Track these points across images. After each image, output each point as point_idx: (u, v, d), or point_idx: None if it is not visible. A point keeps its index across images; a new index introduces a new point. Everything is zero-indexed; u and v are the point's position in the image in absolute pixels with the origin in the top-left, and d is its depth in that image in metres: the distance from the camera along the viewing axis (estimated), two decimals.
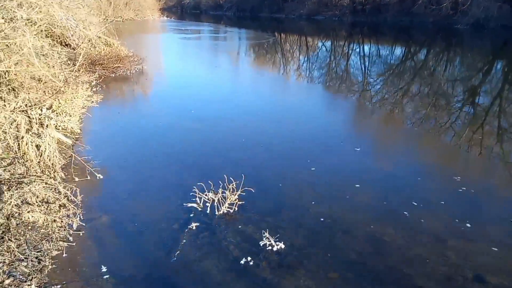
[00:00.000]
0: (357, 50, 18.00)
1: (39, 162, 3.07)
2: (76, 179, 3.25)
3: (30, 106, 3.73)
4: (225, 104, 6.23)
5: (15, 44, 4.00)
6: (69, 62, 8.07)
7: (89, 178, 3.29)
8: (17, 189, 2.52)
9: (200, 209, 2.94)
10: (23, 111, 3.65)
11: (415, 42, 20.92)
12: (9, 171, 2.88)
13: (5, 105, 3.51)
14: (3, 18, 6.00)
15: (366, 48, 18.97)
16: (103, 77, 7.77)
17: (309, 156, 4.06)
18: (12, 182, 2.60)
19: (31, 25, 7.79)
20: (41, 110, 3.77)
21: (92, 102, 5.11)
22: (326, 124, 5.44)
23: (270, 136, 4.65)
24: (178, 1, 73.60)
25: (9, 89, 3.90)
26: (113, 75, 8.11)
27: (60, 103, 4.16)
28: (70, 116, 4.26)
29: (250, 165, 3.81)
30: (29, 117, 3.58)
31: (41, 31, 8.42)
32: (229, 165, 3.78)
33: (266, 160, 3.94)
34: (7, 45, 3.97)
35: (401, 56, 15.88)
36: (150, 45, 16.14)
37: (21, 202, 2.38)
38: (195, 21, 39.29)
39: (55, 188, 2.70)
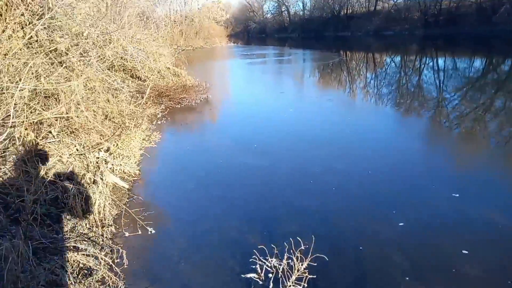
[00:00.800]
0: (431, 64, 16.58)
1: (87, 215, 2.81)
2: (127, 234, 2.94)
3: (88, 149, 3.61)
4: (290, 135, 5.71)
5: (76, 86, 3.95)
6: (137, 94, 8.31)
7: (140, 232, 2.96)
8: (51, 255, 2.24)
9: (261, 282, 2.41)
10: (81, 154, 3.52)
11: (497, 53, 18.81)
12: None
13: (63, 150, 3.39)
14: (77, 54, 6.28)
15: (441, 61, 17.40)
16: (168, 108, 7.82)
17: (394, 205, 3.32)
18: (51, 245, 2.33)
19: (103, 61, 8.18)
20: (99, 153, 3.61)
21: (151, 142, 4.93)
22: (408, 156, 4.59)
23: (342, 176, 3.99)
24: (245, 27, 76.46)
25: (70, 131, 3.84)
26: (179, 106, 8.12)
27: (117, 144, 4.00)
28: (128, 158, 4.08)
29: (321, 217, 3.19)
30: (85, 162, 3.42)
31: (113, 65, 8.85)
32: (295, 217, 3.21)
33: (339, 210, 3.30)
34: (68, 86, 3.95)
35: (482, 69, 14.25)
36: (217, 72, 16.46)
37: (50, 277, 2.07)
38: (260, 45, 40.08)
39: (96, 256, 2.37)
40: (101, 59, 8.72)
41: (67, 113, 3.66)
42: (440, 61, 17.60)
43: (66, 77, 4.57)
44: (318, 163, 4.40)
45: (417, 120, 6.91)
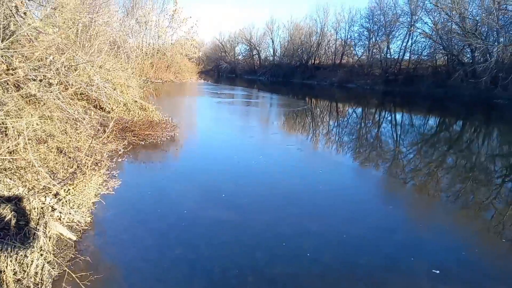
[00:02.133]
0: (389, 118, 17.54)
1: (20, 279, 2.32)
2: None
3: (33, 193, 3.13)
4: (261, 186, 5.46)
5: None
6: (99, 127, 7.81)
7: None
8: None
9: None
10: (22, 199, 3.03)
11: (450, 114, 20.38)
12: None
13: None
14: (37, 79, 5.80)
15: (399, 116, 18.48)
16: (132, 144, 7.36)
17: (372, 280, 3.10)
18: None
19: (65, 88, 7.70)
20: (45, 198, 3.14)
21: (108, 189, 4.46)
22: (380, 218, 4.48)
23: (317, 240, 3.75)
24: (216, 65, 77.80)
25: (13, 170, 3.34)
26: (143, 143, 7.68)
27: (69, 190, 3.54)
28: (80, 205, 3.60)
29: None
30: (27, 207, 2.94)
31: (76, 94, 8.35)
32: (265, 286, 2.89)
33: (314, 280, 3.02)
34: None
35: (435, 127, 15.26)
36: (185, 108, 16.20)
37: None
38: (230, 84, 40.64)
39: None
40: (63, 86, 8.23)
41: (13, 152, 3.20)
42: (398, 116, 18.61)
43: (19, 108, 4.10)
44: (291, 222, 4.15)
45: (378, 174, 7.03)
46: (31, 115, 4.68)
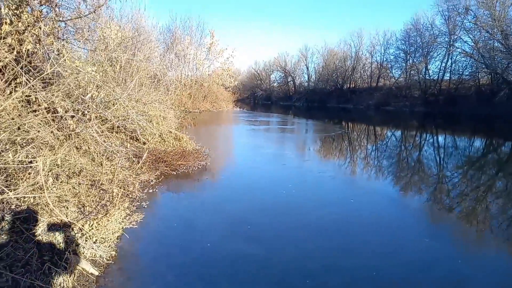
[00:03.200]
0: (431, 140, 16.76)
1: None
2: None
3: (58, 228, 3.21)
4: (289, 217, 5.29)
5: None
6: (134, 158, 8.07)
7: None
8: None
9: None
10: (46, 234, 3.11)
11: (497, 134, 19.12)
12: None
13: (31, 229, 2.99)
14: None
15: (441, 138, 17.61)
16: (164, 175, 7.50)
17: None
18: None
19: (102, 123, 8.09)
20: (70, 233, 3.21)
21: (131, 222, 4.51)
22: (416, 252, 4.12)
23: (345, 276, 3.51)
24: (252, 93, 79.50)
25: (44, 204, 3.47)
26: (175, 173, 7.81)
27: (93, 225, 3.61)
28: (104, 240, 3.64)
29: None
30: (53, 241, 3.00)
31: (113, 127, 8.75)
32: None
33: None
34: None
35: (482, 149, 14.33)
36: (220, 137, 16.47)
37: None
38: (265, 111, 41.07)
39: None
40: (102, 120, 8.67)
41: (40, 189, 3.34)
42: (440, 139, 17.71)
43: (59, 144, 4.32)
44: (317, 256, 3.94)
45: (419, 201, 6.66)
46: (69, 149, 4.92)
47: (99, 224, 3.75)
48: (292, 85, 69.79)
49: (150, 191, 6.31)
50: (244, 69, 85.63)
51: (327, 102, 54.04)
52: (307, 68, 65.00)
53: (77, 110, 6.78)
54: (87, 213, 3.80)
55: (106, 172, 6.20)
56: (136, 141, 9.57)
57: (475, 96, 33.96)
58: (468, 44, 35.34)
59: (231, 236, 4.47)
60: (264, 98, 74.90)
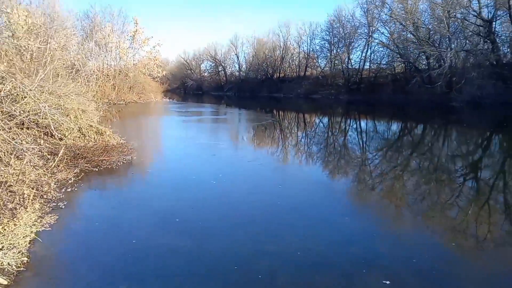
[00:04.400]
0: (354, 126, 18.06)
1: None
2: None
3: None
4: (219, 207, 5.30)
5: None
6: (49, 156, 7.39)
7: None
8: None
9: None
10: None
11: (411, 119, 21.29)
12: None
13: None
14: None
15: (363, 124, 19.05)
16: (84, 172, 6.98)
17: None
18: None
19: (10, 118, 7.27)
20: None
21: (44, 225, 4.13)
22: (339, 231, 4.42)
23: (272, 260, 3.62)
24: (182, 83, 77.41)
25: None
26: (97, 169, 7.31)
27: None
28: (10, 247, 3.29)
29: None
30: None
31: (23, 123, 7.91)
32: None
33: None
34: None
35: (398, 132, 15.84)
36: (148, 130, 15.81)
37: None
38: (196, 101, 40.43)
39: None
40: (9, 115, 7.78)
41: None
42: (363, 124, 19.14)
43: None
44: (246, 243, 4.00)
45: (344, 183, 7.16)
46: None
47: (4, 229, 3.36)
48: (223, 75, 69.45)
49: (69, 190, 5.83)
50: (173, 58, 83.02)
51: (258, 92, 54.87)
52: (238, 57, 65.11)
53: None
54: None
55: (15, 172, 5.60)
56: (51, 137, 8.76)
57: (392, 84, 37.19)
58: (385, 35, 38.34)
59: (159, 231, 4.34)
60: (195, 88, 73.55)
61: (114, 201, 5.71)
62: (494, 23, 27.40)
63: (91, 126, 10.04)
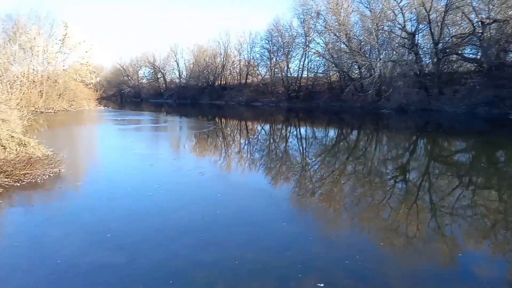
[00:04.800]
0: (294, 133, 18.60)
1: None
2: None
3: None
4: (155, 219, 5.07)
5: None
6: None
7: None
8: None
9: None
10: None
11: (346, 125, 22.41)
12: None
13: None
14: None
15: (303, 130, 19.68)
16: (4, 188, 6.25)
17: None
18: None
19: None
20: None
21: None
22: (277, 237, 4.45)
23: (210, 270, 3.53)
24: (118, 90, 73.95)
25: None
26: (19, 184, 6.60)
27: None
28: None
29: None
30: None
31: None
32: None
33: None
34: None
35: (335, 138, 16.61)
36: (79, 140, 14.75)
37: None
38: (135, 110, 38.81)
39: None
40: None
41: None
42: (302, 131, 19.77)
43: None
44: (183, 255, 3.86)
45: (284, 188, 7.27)
46: None
47: None
48: (162, 82, 67.55)
49: None
50: (108, 64, 78.94)
51: (199, 99, 54.26)
52: (178, 64, 63.75)
53: None
54: None
55: None
56: None
57: (328, 91, 39.08)
58: (320, 45, 40.29)
59: (88, 248, 4.01)
60: (133, 95, 70.53)
61: (39, 217, 5.19)
62: (416, 35, 30.18)
63: (13, 137, 9.09)
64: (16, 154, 8.31)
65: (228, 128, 20.95)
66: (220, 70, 54.90)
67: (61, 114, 26.60)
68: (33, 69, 29.65)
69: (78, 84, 34.09)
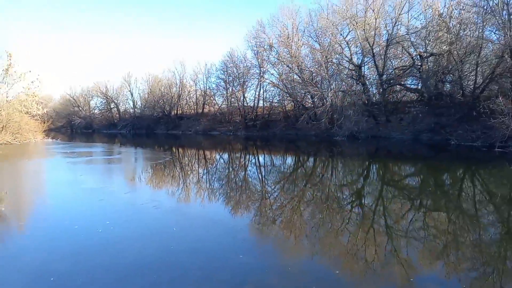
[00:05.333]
0: (253, 161, 18.66)
1: None
2: None
3: None
4: (105, 257, 4.72)
5: None
6: None
7: None
8: None
9: None
10: None
11: (302, 152, 22.97)
12: None
13: None
14: None
15: (261, 158, 19.80)
16: None
17: None
18: None
19: None
20: None
21: None
22: (232, 270, 4.29)
23: None
24: (68, 121, 70.71)
25: None
26: None
27: None
28: None
29: None
30: None
31: None
32: None
33: None
34: None
35: (293, 165, 16.87)
36: (22, 175, 13.63)
37: None
38: (86, 141, 37.03)
39: None
40: None
41: None
42: (261, 158, 19.87)
43: None
44: None
45: (243, 218, 7.16)
46: None
47: None
48: (116, 112, 65.72)
49: None
50: (57, 95, 75.57)
51: (155, 129, 53.27)
52: (132, 94, 62.62)
53: None
54: None
55: None
56: None
57: (284, 120, 40.13)
58: (274, 76, 41.64)
59: None
60: (84, 126, 67.72)
61: None
62: (363, 67, 32.23)
63: None
64: None
65: (186, 158, 20.57)
66: (176, 100, 54.71)
67: (4, 147, 24.68)
68: None
69: (23, 115, 32.05)
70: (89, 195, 8.91)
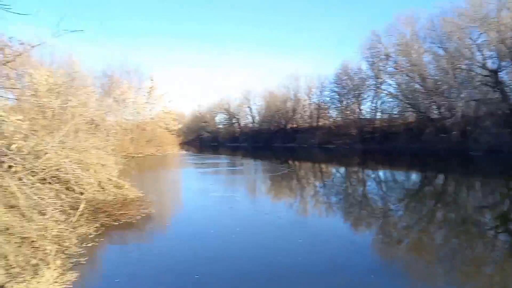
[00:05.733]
0: (372, 176, 17.76)
1: None
2: None
3: None
4: (239, 262, 5.19)
5: None
6: (70, 211, 7.46)
7: None
8: None
9: None
10: None
11: (430, 168, 20.71)
12: None
13: None
14: None
15: (381, 173, 18.72)
16: (104, 226, 6.99)
17: None
18: None
19: (33, 174, 7.49)
20: None
21: (65, 282, 4.09)
22: None
23: None
24: (197, 136, 79.18)
25: None
26: (117, 223, 7.32)
27: None
28: None
29: None
30: None
31: (44, 179, 8.11)
32: None
33: None
34: None
35: (419, 182, 15.39)
36: (165, 182, 15.95)
37: None
38: (212, 153, 40.84)
39: None
40: (31, 172, 8.01)
41: None
42: (381, 173, 18.83)
43: None
44: None
45: (367, 236, 6.93)
46: None
47: (27, 286, 3.33)
48: (237, 126, 70.96)
49: (89, 245, 5.81)
50: (188, 112, 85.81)
51: (272, 142, 55.46)
52: (251, 109, 66.92)
53: (1, 162, 6.24)
54: (14, 275, 3.38)
55: (38, 228, 5.65)
56: (72, 191, 8.91)
57: (405, 133, 37.15)
58: (392, 86, 39.21)
59: None
60: (211, 140, 74.99)
61: (133, 255, 5.65)
62: (500, 73, 27.63)
63: (110, 179, 10.20)
64: (114, 196, 9.28)
65: (302, 171, 20.90)
66: (291, 114, 56.04)
67: (149, 158, 29.16)
68: (125, 119, 33.48)
69: (163, 131, 37.44)
70: (219, 203, 9.89)
